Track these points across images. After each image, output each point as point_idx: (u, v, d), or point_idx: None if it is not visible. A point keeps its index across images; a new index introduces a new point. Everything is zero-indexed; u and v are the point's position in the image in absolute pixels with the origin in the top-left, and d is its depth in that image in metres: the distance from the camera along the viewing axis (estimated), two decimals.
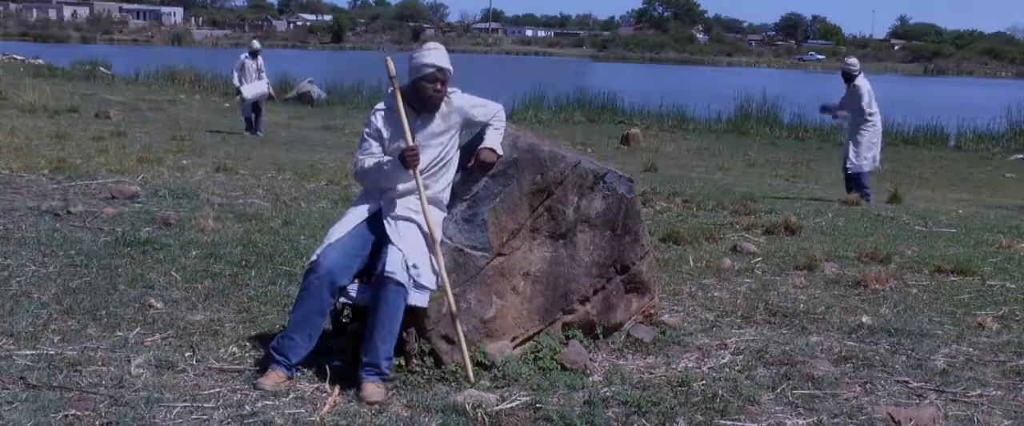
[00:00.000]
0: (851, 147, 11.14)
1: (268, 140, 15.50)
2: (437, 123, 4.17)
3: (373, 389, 3.84)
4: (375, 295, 3.94)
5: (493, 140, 4.24)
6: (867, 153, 11.14)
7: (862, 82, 11.09)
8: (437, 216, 4.16)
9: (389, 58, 4.19)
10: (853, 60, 11.37)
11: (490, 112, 4.29)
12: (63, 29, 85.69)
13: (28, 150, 10.84)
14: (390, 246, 3.98)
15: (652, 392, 3.95)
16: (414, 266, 3.94)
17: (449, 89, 4.19)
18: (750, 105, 24.55)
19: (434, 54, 4.10)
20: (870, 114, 11.05)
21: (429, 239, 4.06)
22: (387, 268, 3.90)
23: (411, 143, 4.03)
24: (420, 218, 4.08)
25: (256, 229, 7.04)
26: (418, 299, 3.98)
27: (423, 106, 4.14)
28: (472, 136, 4.36)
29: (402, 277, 3.89)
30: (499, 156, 4.24)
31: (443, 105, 4.17)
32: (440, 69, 4.07)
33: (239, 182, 9.62)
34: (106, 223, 6.88)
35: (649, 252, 4.80)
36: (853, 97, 11.11)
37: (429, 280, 4.01)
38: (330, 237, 4.05)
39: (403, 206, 4.11)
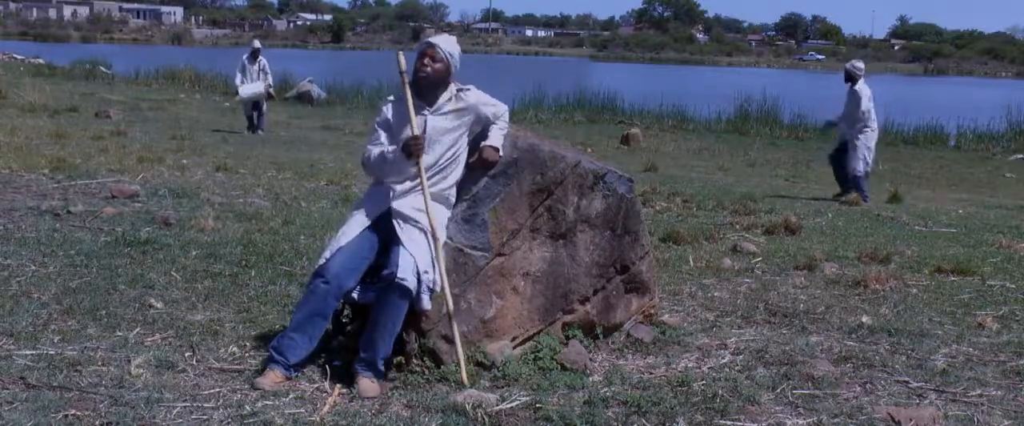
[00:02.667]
0: (851, 152, 11.17)
1: (268, 140, 15.49)
2: (449, 119, 4.15)
3: (367, 384, 3.88)
4: (380, 297, 3.93)
5: (496, 139, 4.24)
6: (866, 157, 11.19)
7: (863, 87, 11.10)
8: (442, 214, 4.14)
9: (400, 53, 4.18)
10: (860, 64, 11.36)
11: (498, 112, 4.29)
12: (63, 28, 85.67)
13: (28, 150, 10.83)
14: (401, 249, 3.95)
15: (652, 392, 3.95)
16: (425, 272, 3.94)
17: (463, 86, 4.20)
18: (750, 105, 24.56)
19: (434, 37, 4.19)
20: (870, 119, 11.09)
21: (432, 238, 4.05)
22: (398, 274, 3.86)
23: (416, 132, 4.03)
24: (424, 217, 4.06)
25: (256, 229, 7.03)
26: (425, 302, 3.98)
27: (419, 90, 4.11)
28: (473, 135, 4.35)
29: (412, 284, 3.88)
30: (501, 155, 4.24)
31: (458, 101, 4.16)
32: (429, 44, 4.13)
33: (239, 182, 9.62)
34: (106, 223, 6.88)
35: (649, 252, 4.81)
36: (852, 100, 11.10)
37: (436, 283, 4.01)
38: (339, 241, 4.03)
39: (409, 205, 4.07)
